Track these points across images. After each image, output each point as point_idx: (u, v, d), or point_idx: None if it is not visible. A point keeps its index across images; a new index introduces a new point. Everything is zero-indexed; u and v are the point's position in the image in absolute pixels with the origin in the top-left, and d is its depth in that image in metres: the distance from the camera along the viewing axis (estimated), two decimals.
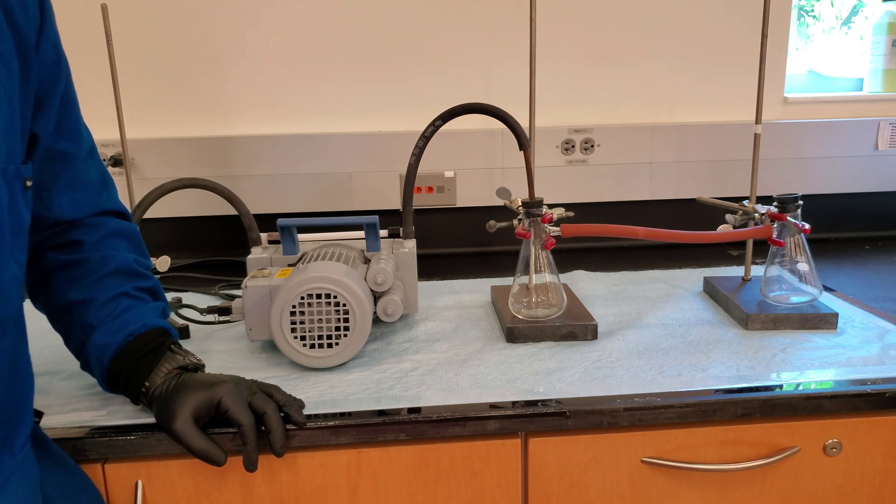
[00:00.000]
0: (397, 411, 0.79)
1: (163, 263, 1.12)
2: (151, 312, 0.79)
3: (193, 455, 0.72)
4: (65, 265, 0.79)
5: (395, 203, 1.44)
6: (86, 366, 0.80)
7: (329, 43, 1.41)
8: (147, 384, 0.76)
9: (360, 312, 0.88)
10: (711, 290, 1.14)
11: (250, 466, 0.73)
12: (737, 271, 1.26)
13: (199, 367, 0.79)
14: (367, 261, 1.02)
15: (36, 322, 1.08)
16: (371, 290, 0.94)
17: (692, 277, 1.25)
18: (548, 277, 1.01)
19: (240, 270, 1.13)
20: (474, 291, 1.21)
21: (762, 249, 1.13)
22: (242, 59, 1.40)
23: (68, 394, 0.85)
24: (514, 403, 0.81)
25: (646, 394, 0.82)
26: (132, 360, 0.76)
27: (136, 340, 0.76)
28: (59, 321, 0.80)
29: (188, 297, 1.18)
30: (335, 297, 0.87)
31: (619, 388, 0.84)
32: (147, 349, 0.76)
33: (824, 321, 1.00)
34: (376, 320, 0.97)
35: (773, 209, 1.02)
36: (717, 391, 0.83)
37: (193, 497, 0.79)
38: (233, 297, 1.14)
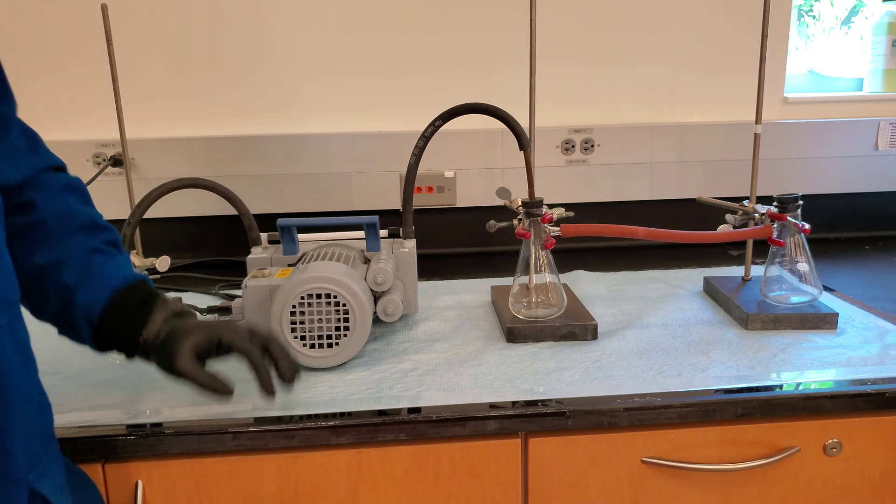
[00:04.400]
0: (397, 411, 0.79)
1: (163, 263, 1.12)
2: (125, 265, 0.77)
3: (201, 390, 0.72)
4: (22, 229, 0.74)
5: (395, 203, 1.44)
6: (69, 329, 0.76)
7: (329, 43, 1.41)
8: (144, 335, 0.74)
9: (360, 312, 0.88)
10: (711, 290, 1.14)
11: (269, 390, 0.74)
12: (737, 271, 1.26)
13: (188, 313, 0.78)
14: (367, 261, 1.02)
15: (35, 322, 1.08)
16: (371, 290, 0.94)
17: (692, 277, 1.25)
18: (548, 277, 1.01)
19: (240, 270, 1.13)
20: (474, 291, 1.21)
21: (762, 249, 1.13)
22: (242, 60, 1.40)
23: (68, 394, 0.85)
24: (514, 403, 0.81)
25: (646, 394, 0.82)
26: (125, 315, 0.74)
27: (121, 295, 0.74)
28: (29, 290, 0.75)
29: (188, 297, 1.18)
30: (335, 297, 0.87)
31: (619, 388, 0.84)
32: (136, 301, 0.75)
33: (824, 321, 1.00)
34: (376, 320, 0.97)
35: (773, 209, 1.02)
36: (717, 391, 0.83)
37: (193, 497, 0.79)
38: (233, 297, 1.14)
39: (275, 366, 0.75)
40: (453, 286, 1.24)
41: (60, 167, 0.80)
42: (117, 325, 0.74)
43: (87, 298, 0.73)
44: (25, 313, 0.68)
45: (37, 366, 0.64)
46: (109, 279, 0.75)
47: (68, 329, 0.76)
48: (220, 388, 0.72)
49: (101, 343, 0.76)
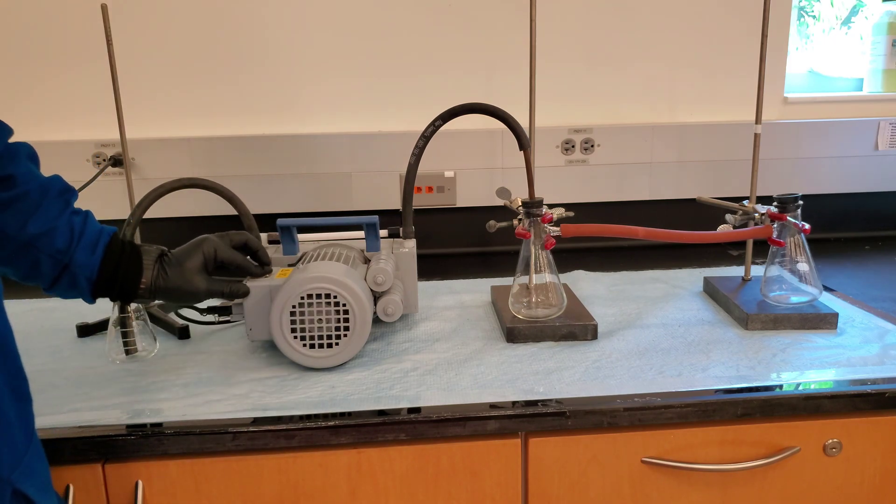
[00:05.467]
0: (397, 411, 0.79)
1: None
2: (94, 220, 0.82)
3: (223, 298, 0.87)
4: (8, 202, 0.77)
5: (395, 203, 1.44)
6: (65, 286, 0.80)
7: (328, 43, 1.41)
8: (143, 280, 0.81)
9: (360, 312, 0.88)
10: (711, 290, 1.14)
11: (260, 274, 0.93)
12: (737, 271, 1.26)
13: (165, 250, 0.85)
14: (367, 261, 1.02)
15: (34, 322, 1.08)
16: (371, 290, 0.94)
17: (692, 277, 1.25)
18: (548, 277, 1.01)
19: None
20: (474, 291, 1.21)
21: (762, 249, 1.13)
22: (243, 60, 1.40)
23: (68, 394, 0.85)
24: (514, 403, 0.81)
25: (646, 394, 0.82)
26: (122, 266, 0.80)
27: (111, 249, 0.80)
28: (22, 256, 0.78)
29: None
30: (335, 297, 0.87)
31: (619, 388, 0.84)
32: (126, 252, 0.81)
33: (824, 321, 1.00)
34: (376, 320, 0.97)
35: (773, 209, 1.02)
36: (717, 391, 0.83)
37: (193, 497, 0.79)
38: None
39: (255, 255, 0.93)
40: (453, 286, 1.24)
41: (11, 134, 0.83)
42: (117, 276, 0.80)
43: (84, 258, 0.79)
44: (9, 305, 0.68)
45: (19, 357, 0.66)
46: (97, 236, 0.80)
47: (65, 285, 0.81)
48: (242, 291, 0.89)
49: (100, 293, 0.82)
